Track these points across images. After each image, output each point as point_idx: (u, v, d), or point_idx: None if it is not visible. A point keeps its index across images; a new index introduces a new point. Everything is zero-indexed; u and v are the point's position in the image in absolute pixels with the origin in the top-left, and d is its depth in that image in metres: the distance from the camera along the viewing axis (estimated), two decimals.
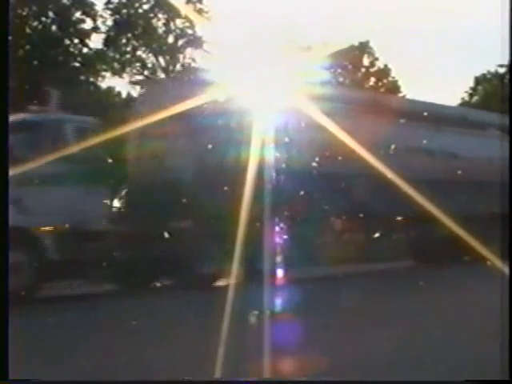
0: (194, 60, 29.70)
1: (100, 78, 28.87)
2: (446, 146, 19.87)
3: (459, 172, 18.62)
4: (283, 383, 5.05)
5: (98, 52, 28.41)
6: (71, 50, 27.58)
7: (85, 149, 12.48)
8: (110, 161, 13.76)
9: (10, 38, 5.29)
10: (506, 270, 10.32)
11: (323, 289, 12.46)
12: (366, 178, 16.55)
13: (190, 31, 29.89)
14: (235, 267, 14.31)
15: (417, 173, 17.37)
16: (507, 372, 4.45)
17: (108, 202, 13.71)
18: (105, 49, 28.85)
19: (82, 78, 27.53)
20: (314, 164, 15.75)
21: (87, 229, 12.57)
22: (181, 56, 29.99)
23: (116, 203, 14.03)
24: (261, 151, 13.65)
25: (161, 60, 30.19)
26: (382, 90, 40.84)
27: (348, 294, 10.36)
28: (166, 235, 14.41)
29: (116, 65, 29.61)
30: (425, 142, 19.05)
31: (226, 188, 14.19)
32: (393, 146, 17.91)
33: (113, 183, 14.19)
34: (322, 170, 15.59)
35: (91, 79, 28.35)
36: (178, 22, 29.94)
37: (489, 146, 21.14)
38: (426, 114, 19.63)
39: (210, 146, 14.38)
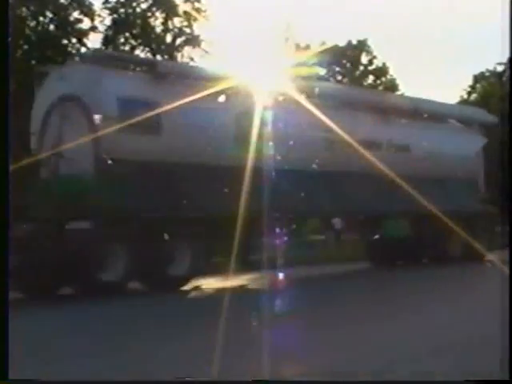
0: (192, 59, 29.64)
1: None
2: (395, 138, 18.18)
3: (411, 167, 16.97)
4: (283, 383, 5.04)
5: None
6: (69, 49, 27.52)
7: None
8: None
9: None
10: (506, 270, 10.31)
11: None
12: (311, 174, 15.39)
13: (188, 30, 29.83)
14: (142, 272, 13.09)
15: (361, 168, 16.26)
16: (507, 372, 4.44)
17: None
18: (103, 48, 28.79)
19: None
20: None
21: None
22: (179, 55, 29.92)
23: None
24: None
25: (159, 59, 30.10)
26: (380, 88, 40.82)
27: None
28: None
29: None
30: (371, 133, 17.19)
31: (129, 184, 12.90)
32: (337, 139, 16.06)
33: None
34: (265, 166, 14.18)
35: None
36: (176, 20, 29.90)
37: (447, 140, 19.66)
38: (372, 103, 18.23)
39: (113, 138, 12.83)
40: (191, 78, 15.03)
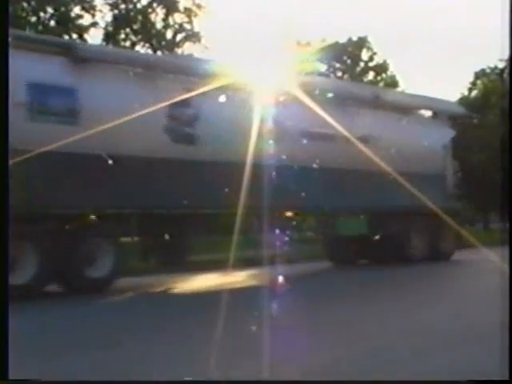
0: (192, 55, 29.67)
1: None
2: (353, 129, 16.25)
3: (371, 160, 15.43)
4: (282, 383, 5.05)
5: None
6: None
7: None
8: None
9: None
10: (506, 269, 10.30)
11: None
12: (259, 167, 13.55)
13: (188, 26, 29.89)
14: (57, 274, 12.12)
15: (319, 161, 15.45)
16: (507, 372, 4.45)
17: None
18: (104, 44, 28.84)
19: None
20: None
21: None
22: (179, 51, 29.96)
23: None
24: None
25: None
26: (381, 84, 40.88)
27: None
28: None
29: None
30: (326, 124, 15.24)
31: (41, 178, 11.88)
32: (289, 131, 14.98)
33: None
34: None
35: None
36: (177, 16, 29.95)
37: (411, 131, 18.55)
38: (330, 92, 17.02)
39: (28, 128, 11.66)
40: (119, 63, 13.90)
